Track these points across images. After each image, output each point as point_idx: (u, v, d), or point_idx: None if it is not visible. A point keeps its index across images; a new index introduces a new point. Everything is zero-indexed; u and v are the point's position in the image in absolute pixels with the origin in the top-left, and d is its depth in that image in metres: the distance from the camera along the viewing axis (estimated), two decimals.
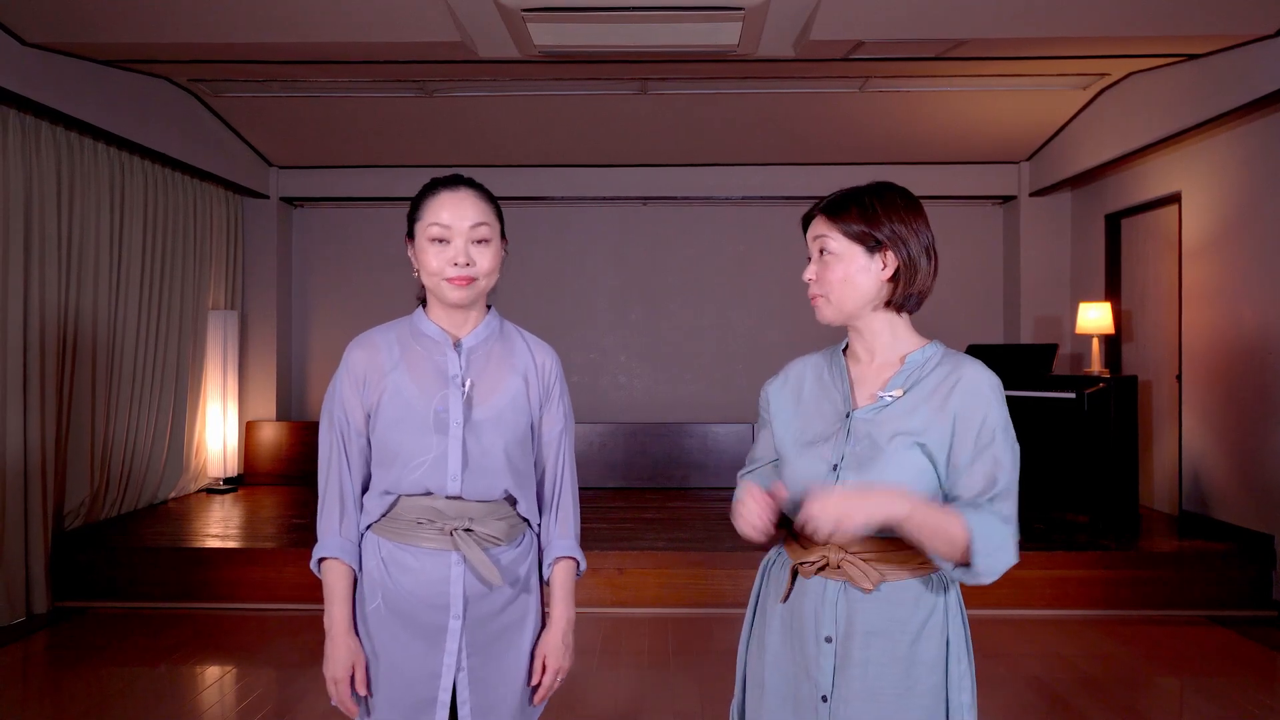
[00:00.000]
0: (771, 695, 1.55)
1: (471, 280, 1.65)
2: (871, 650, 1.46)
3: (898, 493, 1.37)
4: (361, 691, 1.66)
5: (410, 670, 1.66)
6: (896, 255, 1.52)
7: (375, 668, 1.67)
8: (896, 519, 1.35)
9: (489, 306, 1.78)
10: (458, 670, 1.66)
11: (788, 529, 1.60)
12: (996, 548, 1.37)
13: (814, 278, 1.55)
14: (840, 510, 1.34)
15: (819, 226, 1.55)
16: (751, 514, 1.46)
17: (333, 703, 1.69)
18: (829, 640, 1.48)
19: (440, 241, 1.65)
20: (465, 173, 1.76)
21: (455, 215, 1.64)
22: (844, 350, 1.62)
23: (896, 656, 1.46)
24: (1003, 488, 1.41)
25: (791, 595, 1.54)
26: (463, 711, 1.66)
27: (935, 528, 1.36)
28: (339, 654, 1.65)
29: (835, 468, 1.48)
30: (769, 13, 4.25)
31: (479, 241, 1.65)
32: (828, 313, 1.55)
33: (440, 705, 1.65)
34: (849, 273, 1.51)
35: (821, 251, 1.54)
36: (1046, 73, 5.29)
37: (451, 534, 1.64)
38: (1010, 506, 1.41)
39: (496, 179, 6.82)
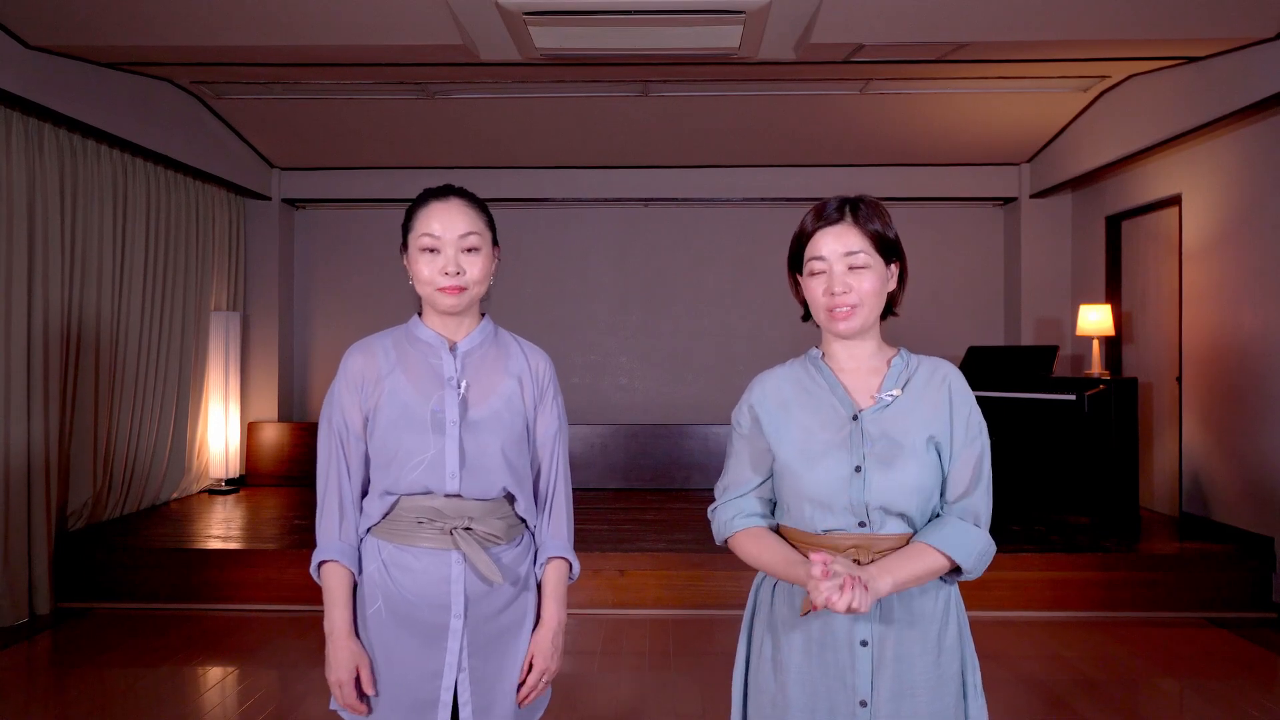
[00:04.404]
0: (796, 712, 1.54)
1: (462, 289, 1.69)
2: (904, 646, 1.50)
3: (881, 573, 1.43)
4: (369, 691, 1.67)
5: (411, 671, 1.67)
6: (899, 264, 1.59)
7: (376, 670, 1.68)
8: (883, 595, 1.44)
9: (483, 314, 1.81)
10: (459, 670, 1.67)
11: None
12: (974, 552, 1.49)
13: (846, 290, 1.52)
14: (858, 602, 1.36)
15: (850, 238, 1.53)
16: (830, 587, 1.37)
17: (331, 706, 1.71)
18: (864, 644, 1.50)
19: (431, 251, 1.68)
20: (466, 174, 1.79)
21: (445, 225, 1.68)
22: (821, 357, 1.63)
23: (927, 647, 1.50)
24: (985, 474, 1.53)
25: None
26: (464, 712, 1.67)
27: (918, 576, 1.47)
28: (341, 657, 1.66)
29: (859, 469, 1.50)
30: (770, 16, 4.26)
31: (469, 250, 1.69)
32: (855, 324, 1.53)
33: (442, 706, 1.67)
34: (878, 284, 1.54)
35: (853, 266, 1.52)
36: (1047, 75, 5.30)
37: (451, 533, 1.66)
38: (987, 496, 1.53)
39: (497, 181, 6.85)
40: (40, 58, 4.49)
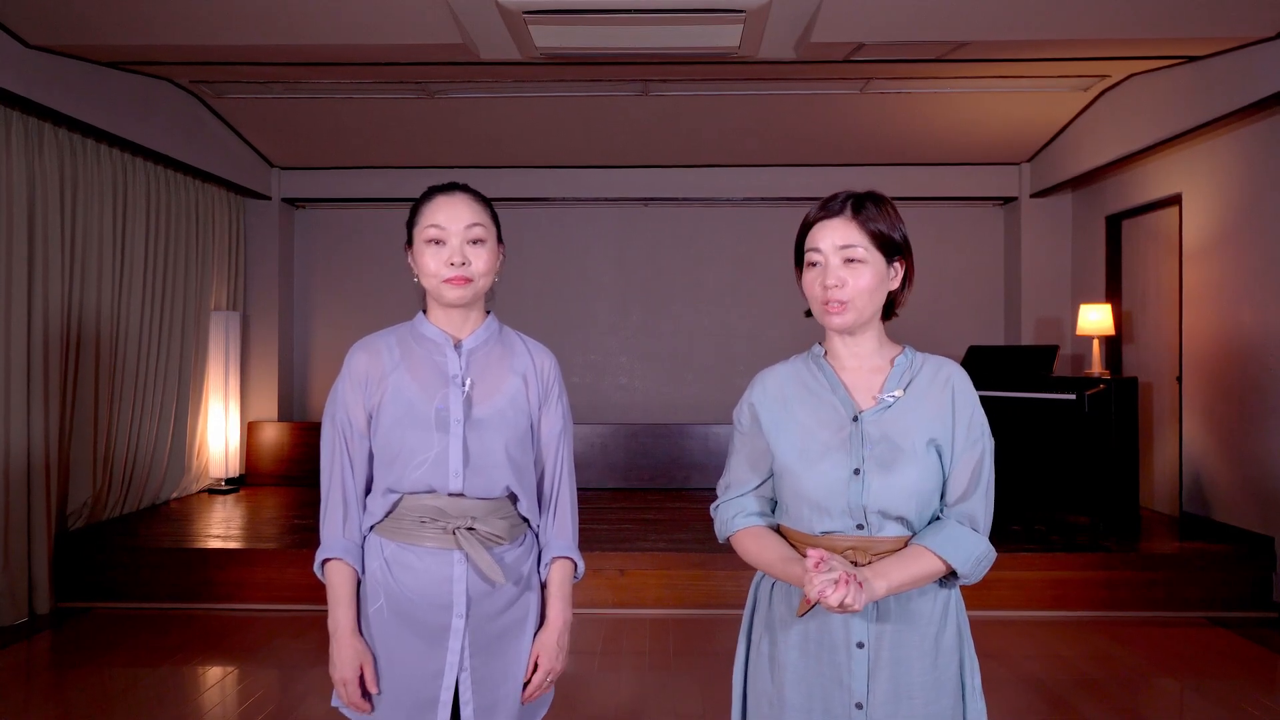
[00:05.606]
0: (793, 712, 1.53)
1: (468, 280, 1.68)
2: (901, 648, 1.48)
3: (876, 576, 1.42)
4: (372, 690, 1.67)
5: (412, 670, 1.67)
6: (905, 264, 1.55)
7: (378, 668, 1.68)
8: (878, 597, 1.43)
9: (488, 311, 1.81)
10: (460, 670, 1.67)
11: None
12: (971, 557, 1.47)
13: (839, 284, 1.49)
14: (851, 599, 1.36)
15: (847, 232, 1.50)
16: (825, 580, 1.37)
17: (333, 703, 1.70)
18: (861, 646, 1.49)
19: (437, 243, 1.68)
20: (466, 174, 1.78)
21: (450, 217, 1.68)
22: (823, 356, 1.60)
23: (924, 650, 1.49)
24: (985, 478, 1.51)
25: (814, 608, 1.51)
26: (465, 712, 1.67)
27: (914, 580, 1.46)
28: (346, 655, 1.66)
29: (858, 471, 1.48)
30: (770, 15, 4.26)
31: (474, 242, 1.69)
32: (848, 319, 1.50)
33: (442, 705, 1.66)
34: (876, 282, 1.50)
35: (849, 260, 1.49)
36: (1047, 74, 5.30)
37: (454, 533, 1.65)
38: (987, 500, 1.51)
39: (498, 180, 6.85)
40: (40, 57, 4.48)
